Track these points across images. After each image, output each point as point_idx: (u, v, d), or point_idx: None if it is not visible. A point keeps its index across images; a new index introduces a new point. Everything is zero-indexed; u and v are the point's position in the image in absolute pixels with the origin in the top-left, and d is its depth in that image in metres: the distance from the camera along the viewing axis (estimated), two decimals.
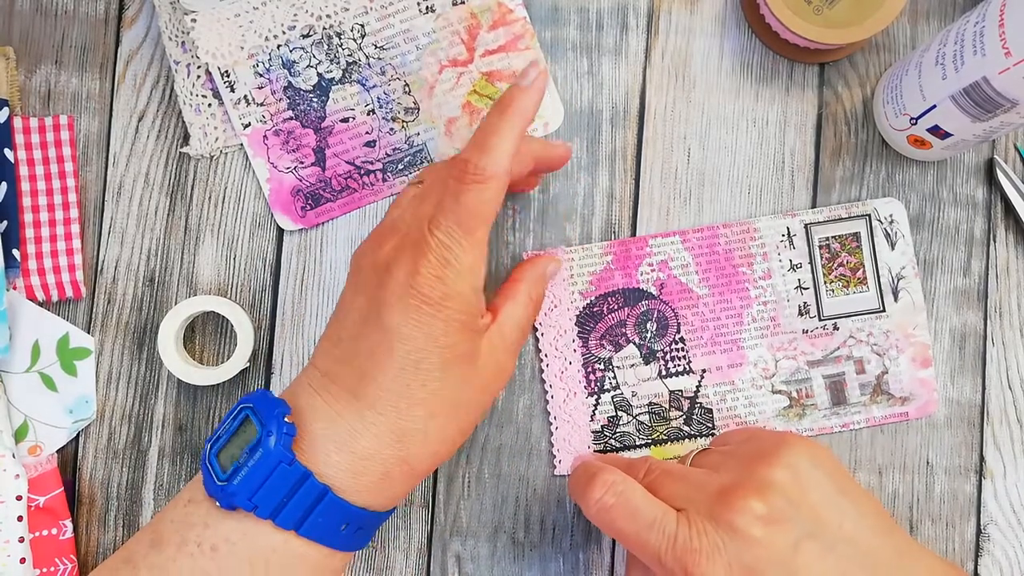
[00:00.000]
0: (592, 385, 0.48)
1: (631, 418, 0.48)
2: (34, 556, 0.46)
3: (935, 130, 0.45)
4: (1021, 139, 0.50)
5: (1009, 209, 0.49)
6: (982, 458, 0.49)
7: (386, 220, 0.42)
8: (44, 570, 0.46)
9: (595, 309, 0.48)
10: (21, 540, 0.45)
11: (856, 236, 0.48)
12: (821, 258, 0.48)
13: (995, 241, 0.50)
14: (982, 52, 0.39)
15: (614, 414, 0.48)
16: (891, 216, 0.49)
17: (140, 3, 0.49)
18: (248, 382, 0.48)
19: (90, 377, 0.47)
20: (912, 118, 0.46)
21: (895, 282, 0.48)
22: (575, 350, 0.48)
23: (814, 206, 0.49)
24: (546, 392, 0.48)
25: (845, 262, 0.48)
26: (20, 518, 0.45)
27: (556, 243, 0.49)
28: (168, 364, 0.46)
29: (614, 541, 0.48)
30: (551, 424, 0.48)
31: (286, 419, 0.37)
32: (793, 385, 0.48)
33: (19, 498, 0.45)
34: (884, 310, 0.48)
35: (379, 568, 0.48)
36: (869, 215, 0.49)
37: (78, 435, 0.47)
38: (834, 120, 0.50)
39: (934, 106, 0.44)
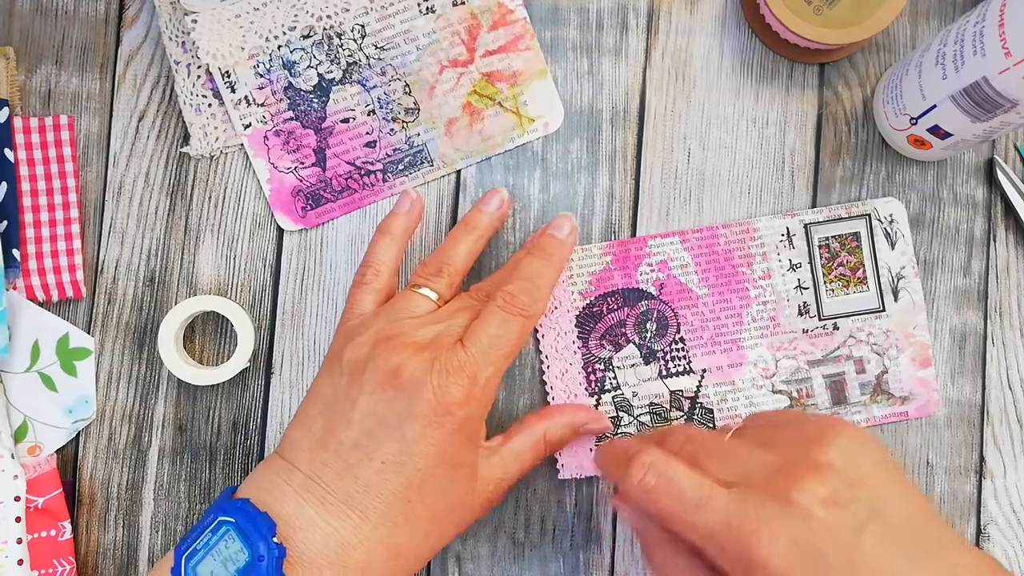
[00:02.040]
0: (593, 386, 0.48)
1: (632, 419, 0.48)
2: (32, 557, 0.45)
3: (935, 130, 0.45)
4: (1021, 139, 0.50)
5: (1009, 209, 0.49)
6: (982, 458, 0.49)
7: (392, 326, 0.41)
8: (42, 571, 0.46)
9: (595, 309, 0.48)
10: (19, 541, 0.45)
11: (856, 236, 0.48)
12: (821, 258, 0.48)
13: (995, 241, 0.50)
14: (982, 52, 0.39)
15: (615, 415, 0.48)
16: (891, 216, 0.49)
17: (140, 3, 0.49)
18: (248, 382, 0.48)
19: (90, 377, 0.47)
20: (912, 118, 0.46)
21: (895, 282, 0.48)
22: (575, 351, 0.48)
23: (814, 206, 0.49)
24: (547, 394, 0.48)
25: (845, 262, 0.48)
26: (18, 519, 0.45)
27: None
28: (168, 364, 0.45)
29: (614, 541, 0.48)
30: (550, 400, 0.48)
31: (274, 539, 0.36)
32: (793, 385, 0.48)
33: (18, 499, 0.45)
34: (884, 310, 0.48)
35: None
36: (869, 215, 0.49)
37: (78, 435, 0.47)
38: (834, 120, 0.50)
39: (934, 106, 0.44)
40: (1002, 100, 0.40)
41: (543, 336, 0.48)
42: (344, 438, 0.38)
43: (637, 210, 0.49)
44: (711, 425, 0.48)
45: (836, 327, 0.48)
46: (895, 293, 0.48)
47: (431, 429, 0.38)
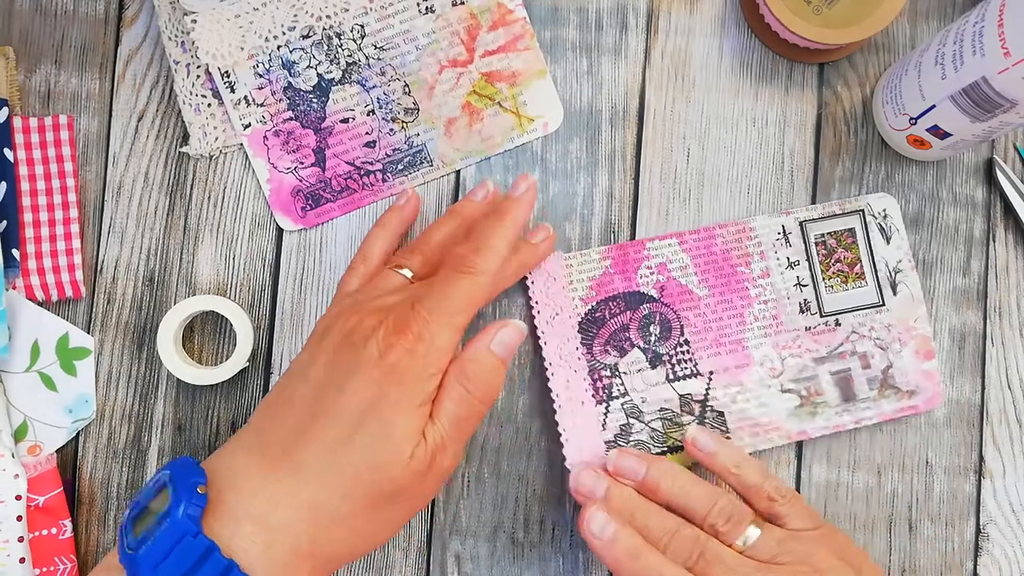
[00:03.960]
0: (600, 393, 0.47)
1: (644, 425, 0.47)
2: (33, 556, 0.46)
3: (934, 130, 0.45)
4: (1020, 139, 0.50)
5: (1008, 209, 0.49)
6: (981, 458, 0.49)
7: (363, 297, 0.43)
8: (43, 570, 0.46)
9: (597, 314, 0.48)
10: (20, 540, 0.45)
11: (851, 232, 0.48)
12: (818, 255, 0.48)
13: (994, 241, 0.50)
14: (981, 52, 0.39)
15: (626, 422, 0.47)
16: (884, 211, 0.49)
17: (140, 3, 0.49)
18: (247, 382, 0.48)
19: (90, 377, 0.47)
20: (911, 118, 0.46)
21: (892, 276, 0.48)
22: (579, 357, 0.48)
23: (814, 204, 0.49)
24: (553, 402, 0.47)
25: (842, 258, 0.48)
26: (19, 518, 0.45)
27: (555, 242, 0.49)
28: (167, 364, 0.46)
29: None
30: (561, 435, 0.47)
31: (199, 489, 0.36)
32: (802, 383, 0.48)
33: (18, 498, 0.45)
34: (884, 304, 0.48)
35: (379, 567, 0.48)
36: (863, 210, 0.49)
37: (78, 435, 0.48)
38: (833, 120, 0.50)
39: (933, 106, 0.44)
40: (1001, 100, 0.40)
41: (546, 344, 0.48)
42: (296, 394, 0.39)
43: (636, 210, 0.49)
44: (724, 428, 0.47)
45: (838, 323, 0.48)
46: (893, 287, 0.48)
47: (370, 383, 0.38)
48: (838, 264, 0.48)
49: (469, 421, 0.40)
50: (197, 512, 0.36)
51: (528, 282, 0.48)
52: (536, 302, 0.48)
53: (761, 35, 0.49)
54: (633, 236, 0.49)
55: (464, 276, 0.40)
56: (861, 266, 0.48)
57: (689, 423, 0.47)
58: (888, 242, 0.48)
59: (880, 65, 0.50)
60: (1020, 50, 0.37)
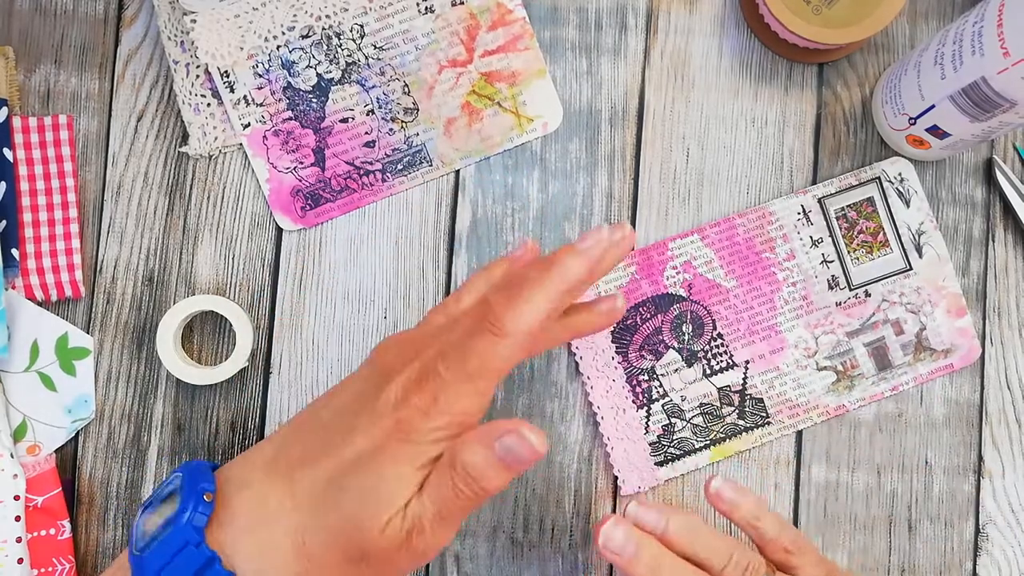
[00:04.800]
0: (640, 398, 0.48)
1: (685, 423, 0.48)
2: (32, 556, 0.46)
3: (934, 130, 0.45)
4: (1020, 139, 0.50)
5: (1008, 209, 0.49)
6: (980, 458, 0.49)
7: (424, 326, 0.40)
8: (42, 570, 0.46)
9: (628, 322, 0.48)
10: (19, 540, 0.45)
11: (870, 200, 0.48)
12: (840, 229, 0.48)
13: (994, 241, 0.50)
14: (980, 52, 0.39)
15: (668, 422, 0.48)
16: (900, 175, 0.49)
17: (139, 3, 0.49)
18: (247, 381, 0.48)
19: (89, 377, 0.47)
20: (911, 118, 0.46)
21: (916, 238, 0.48)
22: (616, 367, 0.48)
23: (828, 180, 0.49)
24: (595, 414, 0.48)
25: (865, 228, 0.48)
26: (18, 518, 0.45)
27: (555, 242, 0.49)
28: (167, 363, 0.45)
29: None
30: (606, 444, 0.47)
31: (206, 497, 0.36)
32: (837, 359, 0.48)
33: (17, 498, 0.45)
34: (911, 268, 0.48)
35: None
36: (879, 177, 0.49)
37: (77, 434, 0.47)
38: (833, 120, 0.50)
39: (933, 106, 0.44)
40: (1000, 100, 0.40)
41: (581, 358, 0.48)
42: (321, 416, 0.38)
43: (636, 210, 0.49)
44: (764, 415, 0.48)
45: (868, 294, 0.48)
46: (919, 249, 0.48)
47: (378, 430, 0.36)
48: (861, 235, 0.48)
49: (455, 511, 0.36)
50: (202, 521, 0.35)
51: None
52: None
53: (761, 35, 0.49)
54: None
55: (489, 335, 0.35)
56: (884, 234, 0.48)
57: (730, 414, 0.48)
58: (908, 205, 0.48)
59: (880, 65, 0.50)
60: (1019, 50, 0.37)
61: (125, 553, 0.38)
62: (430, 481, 0.36)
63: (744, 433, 0.48)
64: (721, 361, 0.48)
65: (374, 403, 0.36)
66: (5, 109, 0.47)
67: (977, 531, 0.48)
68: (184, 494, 0.36)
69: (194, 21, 0.47)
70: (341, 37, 0.49)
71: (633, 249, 0.49)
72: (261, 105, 0.48)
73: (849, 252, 0.48)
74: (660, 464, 0.48)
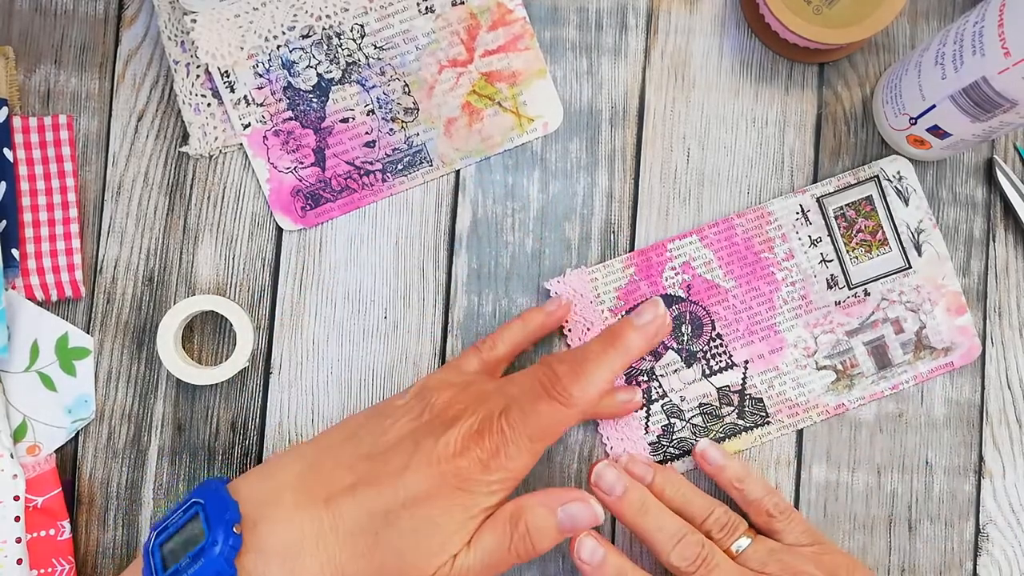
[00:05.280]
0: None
1: (684, 423, 0.48)
2: (31, 557, 0.45)
3: (934, 130, 0.45)
4: (1020, 139, 0.50)
5: (1008, 209, 0.49)
6: (981, 458, 0.49)
7: (462, 367, 0.43)
8: (42, 571, 0.46)
9: None
10: (18, 540, 0.45)
11: (869, 199, 0.48)
12: (839, 228, 0.48)
13: (994, 241, 0.50)
14: (981, 52, 0.39)
15: (667, 422, 0.48)
16: (899, 173, 0.49)
17: (140, 3, 0.49)
18: (247, 382, 0.48)
19: (89, 377, 0.47)
20: (911, 118, 0.46)
21: (916, 236, 0.48)
22: None
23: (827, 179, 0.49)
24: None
25: (863, 227, 0.48)
26: (18, 518, 0.45)
27: (555, 242, 0.49)
28: (167, 364, 0.45)
29: (613, 541, 0.48)
30: (605, 444, 0.48)
31: (235, 528, 0.36)
32: (836, 358, 0.48)
33: (17, 498, 0.45)
34: (910, 266, 0.48)
35: None
36: (877, 176, 0.49)
37: (77, 435, 0.47)
38: (833, 120, 0.50)
39: (933, 106, 0.44)
40: (1001, 100, 0.40)
41: None
42: (363, 445, 0.39)
43: (636, 210, 0.49)
44: (764, 415, 0.48)
45: (867, 293, 0.48)
46: (918, 248, 0.48)
47: (435, 475, 0.37)
48: (860, 234, 0.48)
49: (498, 566, 0.38)
50: (233, 555, 0.36)
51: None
52: (566, 320, 0.48)
53: (761, 35, 0.49)
54: (633, 236, 0.49)
55: (555, 404, 0.38)
56: (883, 232, 0.48)
57: (729, 414, 0.48)
58: (907, 204, 0.48)
59: (880, 65, 0.50)
60: (1020, 50, 0.37)
61: (132, 570, 0.38)
62: (481, 536, 0.37)
63: (744, 433, 0.48)
64: (720, 361, 0.48)
65: (432, 446, 0.38)
66: (5, 109, 0.47)
67: (977, 531, 0.48)
68: (211, 524, 0.36)
69: (194, 21, 0.47)
70: (341, 37, 0.49)
71: (632, 250, 0.49)
72: (261, 105, 0.48)
73: (848, 251, 0.48)
74: (660, 463, 0.48)
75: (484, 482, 0.37)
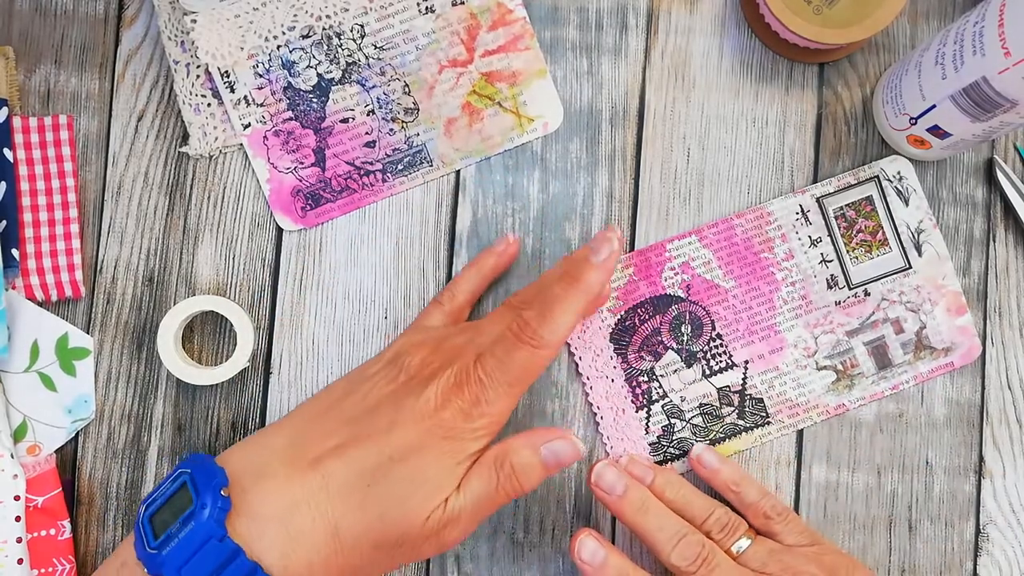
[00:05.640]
0: (639, 399, 0.48)
1: (685, 423, 0.48)
2: (32, 556, 0.45)
3: (935, 130, 0.45)
4: (1021, 139, 0.50)
5: (1008, 209, 0.49)
6: (981, 458, 0.49)
7: (425, 322, 0.45)
8: (42, 571, 0.46)
9: (627, 323, 0.48)
10: (19, 540, 0.45)
11: (869, 200, 0.48)
12: (839, 228, 0.48)
13: (995, 241, 0.50)
14: (981, 52, 0.39)
15: (667, 423, 0.48)
16: (899, 173, 0.49)
17: (140, 3, 0.49)
18: (247, 382, 0.48)
19: (89, 377, 0.47)
20: (912, 118, 0.46)
21: (916, 237, 0.48)
22: (615, 367, 0.48)
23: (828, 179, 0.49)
24: (595, 415, 0.48)
25: (863, 227, 0.48)
26: (18, 518, 0.45)
27: (555, 242, 0.49)
28: (167, 364, 0.45)
29: (613, 541, 0.48)
30: (606, 445, 0.48)
31: (223, 492, 0.37)
32: (836, 358, 0.48)
33: (17, 498, 0.45)
34: (910, 266, 0.48)
35: None
36: (877, 176, 0.49)
37: (77, 435, 0.47)
38: (834, 120, 0.50)
39: (934, 106, 0.44)
40: (1001, 100, 0.40)
41: (580, 359, 0.48)
42: (345, 408, 0.40)
43: (636, 210, 0.49)
44: (764, 415, 0.48)
45: (867, 293, 0.48)
46: (918, 248, 0.48)
47: (419, 429, 0.39)
48: (860, 234, 0.48)
49: (489, 506, 0.40)
50: (223, 516, 0.36)
51: None
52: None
53: (761, 35, 0.49)
54: (633, 236, 0.49)
55: (527, 347, 0.39)
56: (883, 232, 0.48)
57: (729, 414, 0.48)
58: (907, 204, 0.48)
59: (880, 65, 0.50)
60: (1020, 50, 0.37)
61: (124, 549, 0.39)
62: (470, 478, 0.39)
63: (744, 433, 0.48)
64: (720, 361, 0.48)
65: (414, 404, 0.39)
66: (5, 109, 0.47)
67: (978, 531, 0.48)
68: (199, 489, 0.37)
69: (194, 21, 0.47)
70: (341, 37, 0.49)
71: (632, 250, 0.49)
72: (261, 105, 0.48)
73: (848, 251, 0.48)
74: (660, 463, 0.48)
75: (468, 429, 0.39)
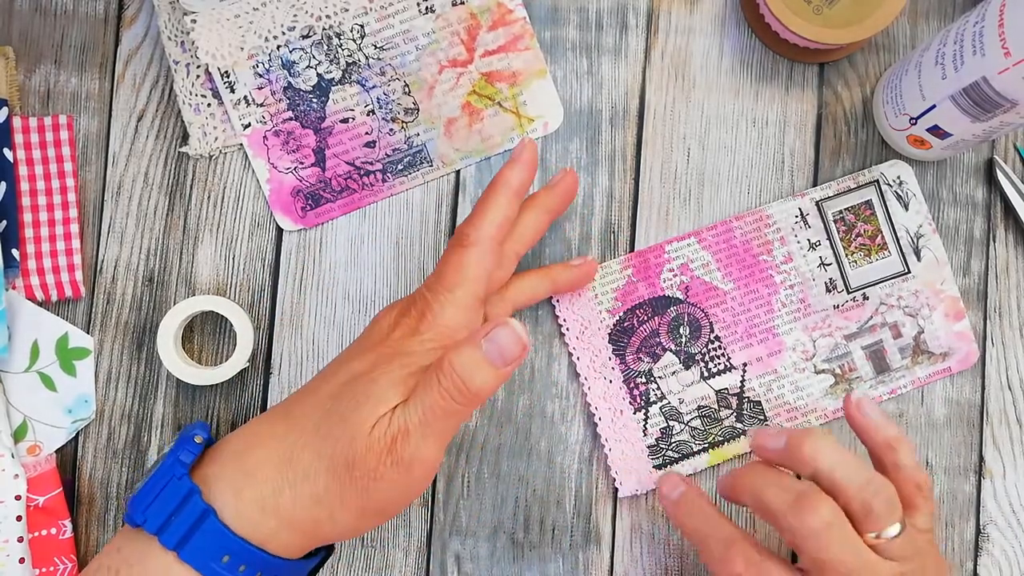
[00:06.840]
0: (637, 400, 0.48)
1: (683, 426, 0.48)
2: (33, 556, 0.46)
3: (935, 130, 0.45)
4: (1021, 139, 0.50)
5: (1009, 209, 0.49)
6: (981, 458, 0.49)
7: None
8: (43, 570, 0.46)
9: (626, 324, 0.48)
10: (20, 540, 0.45)
11: (868, 204, 0.48)
12: (838, 232, 0.48)
13: (995, 241, 0.50)
14: (981, 52, 0.39)
15: (665, 425, 0.48)
16: (899, 178, 0.49)
17: (140, 3, 0.49)
18: (247, 382, 0.48)
19: (89, 377, 0.47)
20: (912, 118, 0.46)
21: (915, 241, 0.48)
22: (613, 368, 0.48)
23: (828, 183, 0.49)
24: (592, 415, 0.48)
25: (862, 231, 0.48)
26: (19, 518, 0.45)
27: (555, 242, 0.49)
28: (167, 364, 0.45)
29: (613, 541, 0.48)
30: (604, 446, 0.48)
31: (196, 439, 0.38)
32: (835, 362, 0.48)
33: (18, 498, 0.45)
34: (909, 271, 0.48)
35: (378, 566, 0.48)
36: (877, 180, 0.49)
37: (77, 435, 0.47)
38: (834, 120, 0.50)
39: (934, 106, 0.44)
40: (1001, 100, 0.40)
41: (579, 359, 0.48)
42: (323, 370, 0.42)
43: (636, 210, 0.49)
44: (762, 418, 0.48)
45: (866, 297, 0.48)
46: (917, 253, 0.48)
47: (372, 355, 0.39)
48: (859, 238, 0.48)
49: (442, 417, 0.36)
50: (189, 458, 0.37)
51: (554, 300, 0.48)
52: (564, 320, 0.48)
53: (761, 35, 0.49)
54: (633, 236, 0.49)
55: (458, 248, 0.41)
56: (882, 237, 0.48)
57: (728, 417, 0.48)
58: (906, 209, 0.48)
59: (880, 65, 0.50)
60: (1020, 50, 0.37)
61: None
62: (417, 391, 0.37)
63: (743, 436, 0.48)
64: (719, 364, 0.48)
65: (370, 333, 0.41)
66: (5, 109, 0.47)
67: (978, 531, 0.48)
68: (176, 442, 0.39)
69: (194, 21, 0.47)
70: (341, 37, 0.49)
71: (631, 251, 0.49)
72: (261, 105, 0.48)
73: (847, 255, 0.48)
74: (659, 467, 0.48)
75: (417, 342, 0.39)
